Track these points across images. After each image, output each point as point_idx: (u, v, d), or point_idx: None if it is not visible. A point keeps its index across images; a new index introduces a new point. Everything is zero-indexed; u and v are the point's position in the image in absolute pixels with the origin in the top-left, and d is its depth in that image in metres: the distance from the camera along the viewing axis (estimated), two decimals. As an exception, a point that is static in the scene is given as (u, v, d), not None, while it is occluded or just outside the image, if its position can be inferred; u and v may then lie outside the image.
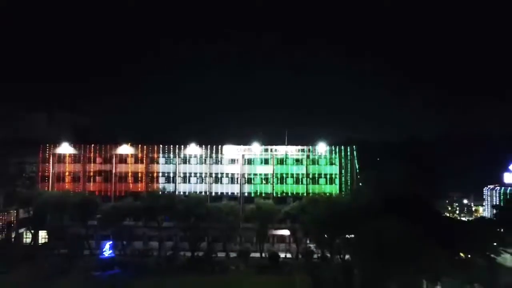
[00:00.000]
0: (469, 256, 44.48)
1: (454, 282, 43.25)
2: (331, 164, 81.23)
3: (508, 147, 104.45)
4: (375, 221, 45.82)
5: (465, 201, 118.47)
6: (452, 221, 55.79)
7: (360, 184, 78.64)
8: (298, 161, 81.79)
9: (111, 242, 67.28)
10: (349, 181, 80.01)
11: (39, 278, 56.94)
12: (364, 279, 43.75)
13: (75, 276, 59.19)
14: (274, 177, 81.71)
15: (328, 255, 67.26)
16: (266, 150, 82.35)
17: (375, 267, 38.92)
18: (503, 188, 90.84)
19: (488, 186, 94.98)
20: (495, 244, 44.70)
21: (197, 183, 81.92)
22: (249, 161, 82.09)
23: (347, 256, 62.40)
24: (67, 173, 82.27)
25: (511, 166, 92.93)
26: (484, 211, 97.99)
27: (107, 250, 65.36)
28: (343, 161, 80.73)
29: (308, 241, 74.19)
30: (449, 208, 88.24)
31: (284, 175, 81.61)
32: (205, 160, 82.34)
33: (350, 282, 48.53)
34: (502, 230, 48.09)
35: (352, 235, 54.95)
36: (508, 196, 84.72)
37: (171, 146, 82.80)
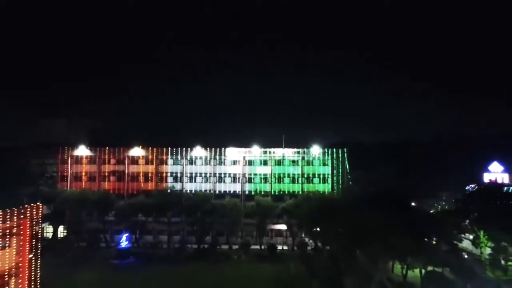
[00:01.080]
0: (434, 241, 52.34)
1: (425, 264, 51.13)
2: (324, 165, 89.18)
3: (494, 148, 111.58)
4: (358, 215, 53.77)
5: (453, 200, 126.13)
6: (421, 213, 63.23)
7: (350, 183, 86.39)
8: (294, 162, 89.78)
9: (127, 234, 75.12)
10: (340, 181, 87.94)
11: (65, 266, 64.82)
12: (346, 264, 51.74)
13: (97, 264, 67.25)
14: (272, 176, 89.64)
15: (320, 246, 75.10)
16: (265, 152, 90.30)
17: (353, 252, 46.81)
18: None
19: (470, 185, 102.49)
20: (455, 231, 52.53)
21: (202, 182, 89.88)
22: (250, 162, 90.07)
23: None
24: (83, 173, 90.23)
25: (490, 167, 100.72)
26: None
27: (124, 241, 73.26)
28: (335, 162, 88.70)
29: (303, 234, 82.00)
30: (435, 205, 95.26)
31: (281, 175, 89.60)
32: (209, 161, 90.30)
33: (337, 267, 56.48)
34: (461, 220, 55.66)
35: (340, 228, 62.71)
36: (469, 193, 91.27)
37: (179, 148, 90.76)
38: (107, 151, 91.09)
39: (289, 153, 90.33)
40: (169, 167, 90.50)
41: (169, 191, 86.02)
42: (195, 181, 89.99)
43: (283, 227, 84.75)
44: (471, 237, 55.63)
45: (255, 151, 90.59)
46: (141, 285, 57.98)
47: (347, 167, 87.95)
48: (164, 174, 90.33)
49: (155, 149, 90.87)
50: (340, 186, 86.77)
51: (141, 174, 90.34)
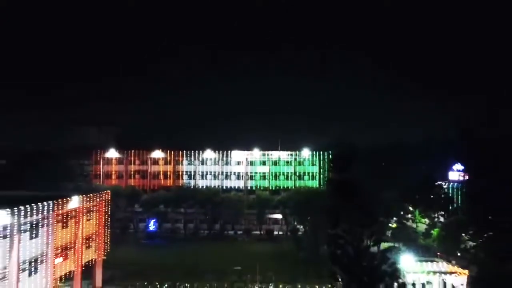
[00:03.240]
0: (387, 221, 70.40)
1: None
2: (313, 165, 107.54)
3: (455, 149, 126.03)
4: (331, 203, 71.74)
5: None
6: (378, 201, 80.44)
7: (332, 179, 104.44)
8: (288, 163, 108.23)
9: (154, 220, 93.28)
10: (326, 178, 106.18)
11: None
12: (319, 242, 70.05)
13: (132, 243, 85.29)
14: (270, 174, 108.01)
15: (308, 230, 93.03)
16: (264, 154, 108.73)
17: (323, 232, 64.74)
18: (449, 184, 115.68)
19: (438, 183, 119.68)
20: (402, 213, 70.45)
21: (212, 179, 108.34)
22: (251, 163, 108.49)
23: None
24: (113, 172, 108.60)
25: (454, 166, 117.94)
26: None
27: (152, 226, 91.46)
28: (321, 162, 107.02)
29: (295, 222, 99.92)
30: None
31: (277, 173, 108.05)
32: (217, 162, 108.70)
33: (315, 241, 74.63)
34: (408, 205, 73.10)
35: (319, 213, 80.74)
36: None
37: (192, 151, 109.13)
38: (132, 153, 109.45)
39: (283, 155, 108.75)
40: (184, 167, 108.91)
41: (184, 186, 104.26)
42: (206, 178, 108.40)
43: (279, 216, 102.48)
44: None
45: (256, 154, 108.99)
46: (170, 255, 75.87)
47: (332, 166, 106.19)
48: (180, 173, 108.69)
49: (172, 152, 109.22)
50: (325, 182, 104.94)
51: (161, 172, 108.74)
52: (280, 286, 57.57)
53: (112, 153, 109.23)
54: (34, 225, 40.94)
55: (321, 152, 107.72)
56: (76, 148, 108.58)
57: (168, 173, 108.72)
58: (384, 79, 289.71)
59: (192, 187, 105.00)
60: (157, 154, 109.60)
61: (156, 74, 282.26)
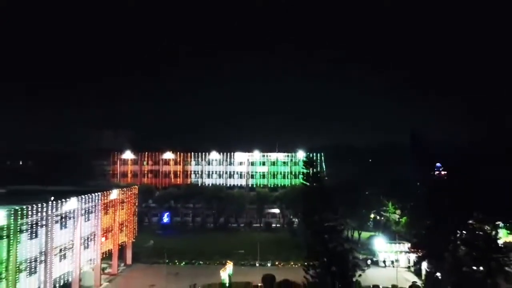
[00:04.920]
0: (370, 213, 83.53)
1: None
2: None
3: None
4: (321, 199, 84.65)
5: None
6: (361, 196, 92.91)
7: (325, 178, 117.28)
8: (284, 163, 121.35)
9: (168, 213, 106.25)
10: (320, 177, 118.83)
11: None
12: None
13: (148, 233, 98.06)
14: (268, 174, 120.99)
15: (302, 222, 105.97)
16: (263, 155, 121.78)
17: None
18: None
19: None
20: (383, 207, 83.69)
21: (217, 178, 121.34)
22: (252, 163, 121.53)
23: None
24: (129, 171, 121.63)
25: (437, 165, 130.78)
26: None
27: (165, 218, 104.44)
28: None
29: (290, 215, 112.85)
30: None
31: (275, 173, 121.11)
32: (222, 162, 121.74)
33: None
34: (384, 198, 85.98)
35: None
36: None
37: (199, 153, 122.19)
38: (146, 154, 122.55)
39: (281, 156, 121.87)
40: (192, 167, 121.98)
41: (192, 184, 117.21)
42: (211, 177, 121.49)
43: (276, 210, 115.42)
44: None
45: (256, 155, 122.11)
46: (183, 242, 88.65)
47: (324, 166, 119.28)
48: (188, 172, 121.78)
49: (182, 153, 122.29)
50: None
51: (171, 172, 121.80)
52: (276, 263, 70.48)
53: (128, 155, 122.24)
54: (88, 211, 54.00)
55: (315, 153, 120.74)
56: (96, 150, 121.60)
57: (178, 173, 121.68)
58: (374, 80, 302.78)
59: (199, 185, 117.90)
60: (168, 155, 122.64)
61: (166, 79, 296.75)
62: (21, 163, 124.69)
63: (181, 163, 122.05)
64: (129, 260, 70.33)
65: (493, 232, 46.70)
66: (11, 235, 37.56)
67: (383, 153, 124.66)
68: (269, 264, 70.29)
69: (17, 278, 38.32)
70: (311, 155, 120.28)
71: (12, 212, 37.93)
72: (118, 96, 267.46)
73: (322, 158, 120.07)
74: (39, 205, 42.18)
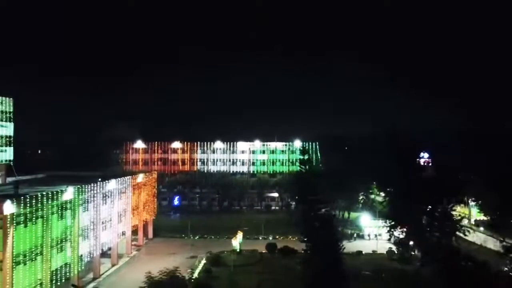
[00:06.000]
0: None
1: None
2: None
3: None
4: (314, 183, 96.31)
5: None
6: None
7: (320, 165, 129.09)
8: (283, 152, 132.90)
9: (178, 196, 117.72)
10: (314, 164, 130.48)
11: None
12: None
13: (161, 214, 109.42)
14: (268, 161, 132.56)
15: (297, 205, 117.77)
16: (263, 145, 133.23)
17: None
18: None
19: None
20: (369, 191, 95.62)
21: (221, 165, 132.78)
22: (253, 152, 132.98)
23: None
24: (140, 159, 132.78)
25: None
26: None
27: (176, 201, 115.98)
28: (310, 151, 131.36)
29: (288, 199, 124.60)
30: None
31: (274, 160, 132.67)
32: (226, 151, 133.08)
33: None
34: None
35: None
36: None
37: (205, 142, 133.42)
38: (155, 144, 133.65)
39: (279, 145, 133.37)
40: (199, 155, 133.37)
41: (199, 171, 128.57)
42: (216, 164, 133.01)
43: (275, 194, 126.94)
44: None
45: (257, 144, 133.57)
46: (193, 221, 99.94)
47: (319, 155, 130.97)
48: (195, 160, 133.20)
49: (188, 143, 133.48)
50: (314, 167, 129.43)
51: (179, 160, 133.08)
52: (276, 236, 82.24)
53: (139, 144, 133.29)
54: (122, 191, 65.33)
55: (310, 142, 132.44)
56: (109, 140, 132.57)
57: (185, 160, 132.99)
58: (368, 73, 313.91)
59: (205, 172, 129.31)
60: (176, 144, 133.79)
61: (175, 73, 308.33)
62: (39, 152, 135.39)
63: (188, 152, 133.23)
64: (150, 234, 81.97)
65: (448, 207, 58.39)
66: (76, 207, 48.80)
67: (371, 142, 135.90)
68: (270, 238, 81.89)
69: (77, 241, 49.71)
70: (307, 144, 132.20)
71: (78, 188, 49.18)
72: (131, 88, 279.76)
73: (317, 147, 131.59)
74: (93, 184, 53.46)
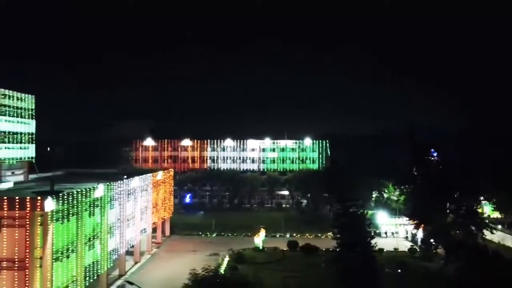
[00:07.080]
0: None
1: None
2: (313, 151, 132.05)
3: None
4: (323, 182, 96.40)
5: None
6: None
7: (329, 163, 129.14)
8: (293, 150, 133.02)
9: (190, 194, 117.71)
10: (324, 162, 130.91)
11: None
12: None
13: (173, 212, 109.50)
14: (278, 159, 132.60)
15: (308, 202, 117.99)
16: (273, 142, 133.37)
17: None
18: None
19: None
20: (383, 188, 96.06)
21: (231, 163, 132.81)
22: (263, 149, 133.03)
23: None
24: (150, 157, 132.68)
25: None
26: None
27: (187, 199, 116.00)
28: (320, 149, 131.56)
29: (298, 196, 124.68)
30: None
31: (284, 158, 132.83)
32: (236, 148, 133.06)
33: (315, 211, 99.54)
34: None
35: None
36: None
37: (215, 140, 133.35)
38: (165, 141, 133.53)
39: (289, 143, 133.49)
40: (209, 153, 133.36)
41: (209, 169, 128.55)
42: (226, 162, 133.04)
43: (286, 192, 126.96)
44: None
45: (267, 142, 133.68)
46: (206, 218, 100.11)
47: (329, 153, 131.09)
48: (205, 158, 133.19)
49: (199, 140, 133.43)
50: (323, 165, 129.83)
51: (189, 157, 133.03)
52: (294, 234, 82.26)
53: (149, 142, 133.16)
54: (144, 188, 65.29)
55: (320, 141, 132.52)
56: (119, 138, 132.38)
57: (195, 158, 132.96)
58: (377, 73, 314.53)
59: (215, 169, 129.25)
60: (186, 142, 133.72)
61: (186, 71, 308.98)
62: (48, 149, 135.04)
63: (198, 149, 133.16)
64: (167, 232, 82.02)
65: (474, 205, 58.55)
66: (105, 204, 48.77)
67: (384, 140, 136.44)
68: (287, 235, 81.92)
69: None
70: (316, 142, 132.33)
71: (107, 185, 49.15)
72: (141, 86, 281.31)
73: (328, 145, 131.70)
74: (120, 182, 53.44)
